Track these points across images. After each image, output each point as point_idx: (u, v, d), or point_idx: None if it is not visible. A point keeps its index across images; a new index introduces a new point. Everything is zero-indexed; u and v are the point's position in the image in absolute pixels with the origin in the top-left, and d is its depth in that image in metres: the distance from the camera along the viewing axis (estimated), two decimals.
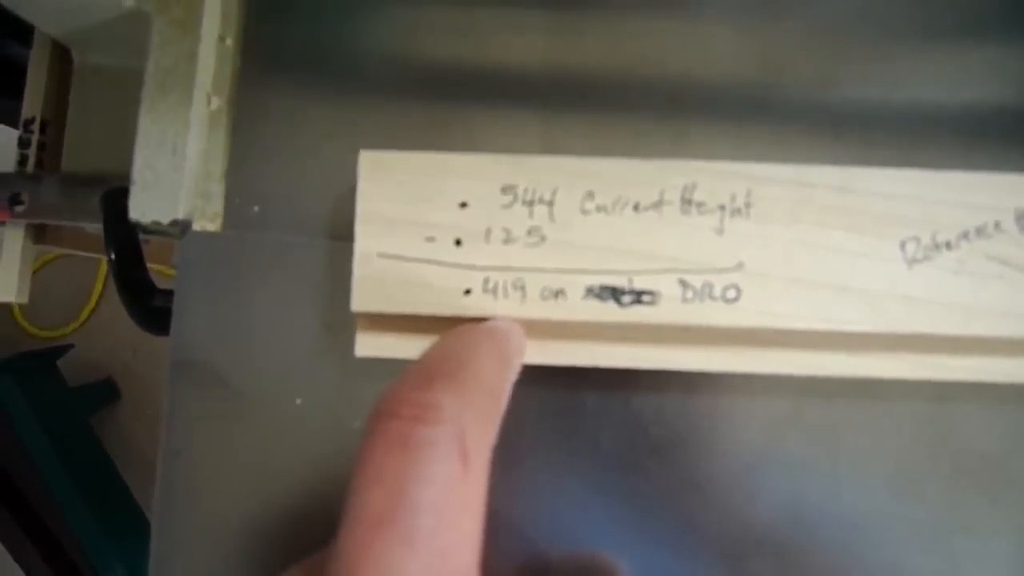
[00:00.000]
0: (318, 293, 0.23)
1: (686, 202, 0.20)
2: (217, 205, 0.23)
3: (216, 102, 0.23)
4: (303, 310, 0.23)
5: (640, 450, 0.22)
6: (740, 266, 0.20)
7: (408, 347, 0.21)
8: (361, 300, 0.20)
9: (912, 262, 0.20)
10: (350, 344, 0.20)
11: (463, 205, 0.20)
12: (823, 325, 0.20)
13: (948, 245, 0.20)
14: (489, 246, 0.20)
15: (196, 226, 0.23)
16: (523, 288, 0.20)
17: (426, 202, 0.20)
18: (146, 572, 0.23)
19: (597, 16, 0.24)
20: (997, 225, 0.20)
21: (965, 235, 0.20)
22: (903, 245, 0.20)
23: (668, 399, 0.22)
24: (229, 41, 0.24)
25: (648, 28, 0.24)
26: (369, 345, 0.21)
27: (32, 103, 0.29)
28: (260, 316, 0.23)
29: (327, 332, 0.23)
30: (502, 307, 0.20)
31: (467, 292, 0.20)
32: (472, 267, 0.20)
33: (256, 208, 0.23)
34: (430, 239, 0.20)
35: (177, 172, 0.22)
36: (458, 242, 0.20)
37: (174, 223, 0.22)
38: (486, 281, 0.20)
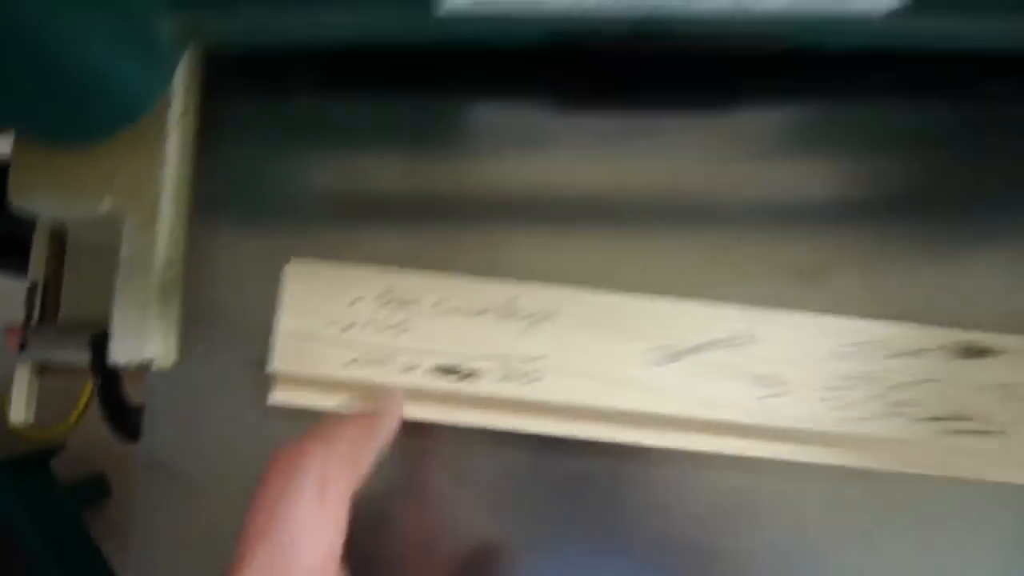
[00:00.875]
0: (252, 409, 0.29)
1: (508, 310, 0.27)
2: (172, 346, 0.30)
3: (169, 274, 0.29)
4: (240, 420, 0.29)
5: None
6: (543, 357, 0.27)
7: (312, 399, 0.27)
8: (278, 363, 0.26)
9: (659, 363, 0.27)
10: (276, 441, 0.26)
11: (353, 302, 0.27)
12: (595, 403, 0.26)
13: (686, 352, 0.27)
14: (370, 331, 0.26)
15: (157, 363, 0.29)
16: (390, 362, 0.26)
17: (329, 299, 0.27)
18: None
19: (452, 153, 0.31)
20: (721, 341, 0.27)
21: (699, 347, 0.27)
22: (652, 351, 0.27)
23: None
24: (179, 233, 0.30)
25: (489, 162, 0.31)
26: (281, 398, 0.27)
27: (35, 271, 0.35)
28: (208, 426, 0.30)
29: (257, 436, 0.29)
30: (374, 375, 0.26)
31: (352, 361, 0.26)
32: (356, 345, 0.26)
33: (202, 346, 0.30)
34: (330, 323, 0.27)
35: (143, 327, 0.28)
36: (349, 327, 0.27)
37: (141, 363, 0.29)
38: (366, 354, 0.26)
